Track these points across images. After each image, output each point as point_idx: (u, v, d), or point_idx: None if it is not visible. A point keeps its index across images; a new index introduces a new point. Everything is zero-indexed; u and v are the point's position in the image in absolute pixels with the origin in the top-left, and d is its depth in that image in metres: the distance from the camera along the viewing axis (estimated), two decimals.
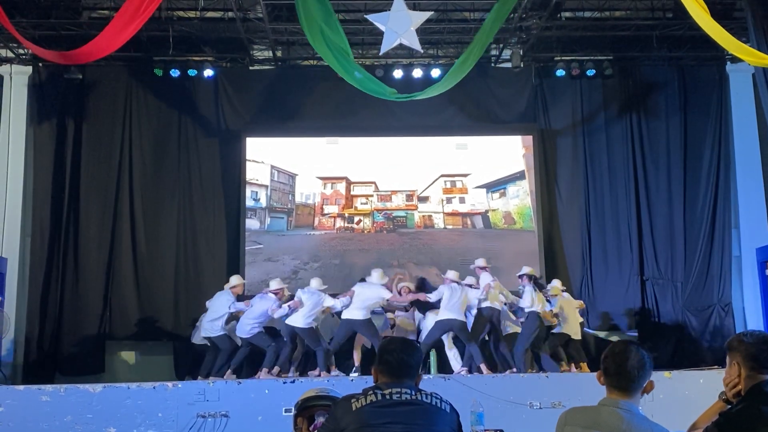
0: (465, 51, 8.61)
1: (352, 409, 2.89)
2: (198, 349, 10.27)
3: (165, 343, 11.40)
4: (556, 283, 10.40)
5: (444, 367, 9.97)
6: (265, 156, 12.17)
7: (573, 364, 9.87)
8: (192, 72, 11.58)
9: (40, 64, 11.58)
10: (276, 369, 9.46)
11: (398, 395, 2.93)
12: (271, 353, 9.50)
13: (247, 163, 12.05)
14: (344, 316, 9.66)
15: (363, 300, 9.58)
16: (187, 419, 8.17)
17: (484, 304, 9.73)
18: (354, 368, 9.79)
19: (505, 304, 9.98)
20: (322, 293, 9.71)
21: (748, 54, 8.49)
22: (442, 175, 12.31)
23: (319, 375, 9.32)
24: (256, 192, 12.10)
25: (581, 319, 10.35)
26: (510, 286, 11.78)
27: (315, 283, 9.82)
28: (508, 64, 11.99)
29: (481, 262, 10.25)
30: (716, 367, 9.51)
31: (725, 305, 11.78)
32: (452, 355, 10.04)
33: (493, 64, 12.37)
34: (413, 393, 2.95)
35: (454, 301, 9.58)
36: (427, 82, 11.43)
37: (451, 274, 9.92)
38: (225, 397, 8.30)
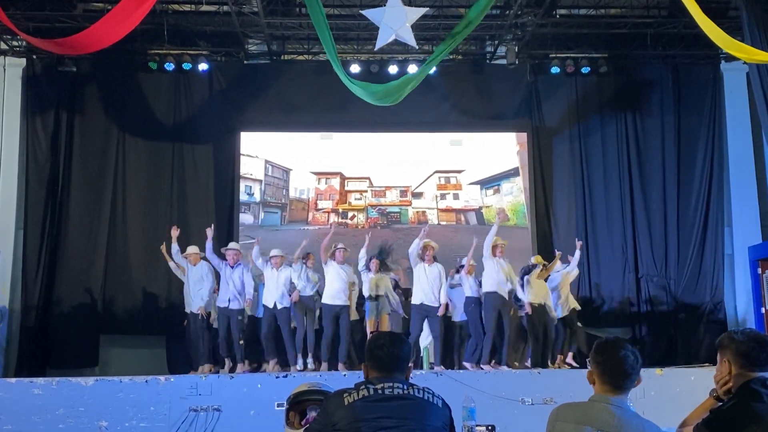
0: (444, 44, 8.45)
1: (344, 404, 2.89)
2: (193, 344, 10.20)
3: (157, 337, 11.38)
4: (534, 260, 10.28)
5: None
6: (259, 151, 12.16)
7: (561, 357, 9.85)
8: (187, 66, 11.56)
9: (35, 57, 11.54)
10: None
11: (390, 390, 2.92)
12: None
13: (242, 157, 12.04)
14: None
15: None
16: (180, 413, 8.17)
17: (485, 289, 9.54)
18: None
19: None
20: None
21: (741, 50, 8.53)
22: (437, 172, 12.32)
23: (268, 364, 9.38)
24: (250, 186, 12.09)
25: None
26: None
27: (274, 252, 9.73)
28: (503, 61, 12.00)
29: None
30: (707, 364, 9.56)
31: (717, 303, 11.84)
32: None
33: (488, 61, 12.37)
34: (405, 387, 2.95)
35: (428, 279, 9.43)
36: None
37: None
38: (217, 392, 8.30)
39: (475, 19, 8.15)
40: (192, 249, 9.85)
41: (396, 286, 10.38)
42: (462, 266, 10.05)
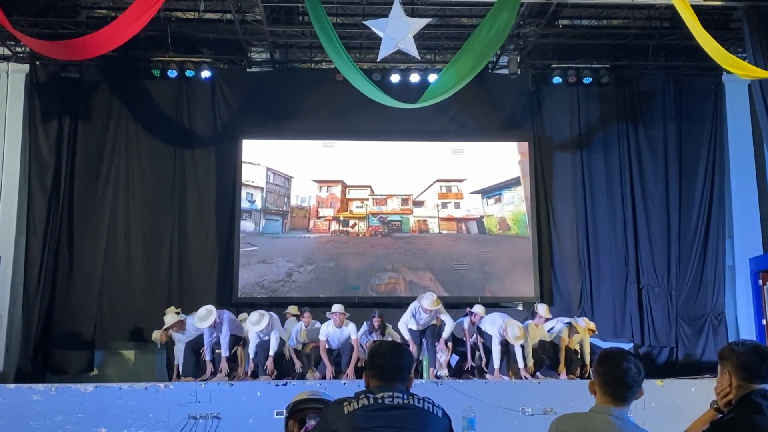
0: (466, 57, 8.56)
1: (344, 413, 2.88)
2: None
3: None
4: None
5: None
6: (261, 158, 12.17)
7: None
8: (189, 73, 11.57)
9: (38, 63, 11.56)
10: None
11: (390, 399, 2.91)
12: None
13: (243, 164, 12.04)
14: None
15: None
16: (179, 420, 8.15)
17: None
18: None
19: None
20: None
21: (738, 66, 8.54)
22: (438, 180, 12.32)
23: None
24: (252, 194, 12.09)
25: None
26: (503, 291, 11.80)
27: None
28: (505, 71, 12.02)
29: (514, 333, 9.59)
30: (708, 375, 9.53)
31: (718, 315, 11.81)
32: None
33: (490, 70, 12.38)
34: (405, 397, 2.94)
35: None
36: (424, 87, 11.45)
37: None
38: (217, 399, 8.28)
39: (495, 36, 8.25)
40: (171, 319, 9.71)
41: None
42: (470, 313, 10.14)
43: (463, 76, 8.64)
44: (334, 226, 12.13)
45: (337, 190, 12.24)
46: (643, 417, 7.51)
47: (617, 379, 2.79)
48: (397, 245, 12.09)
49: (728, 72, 11.75)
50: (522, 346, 9.48)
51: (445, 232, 12.24)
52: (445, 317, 9.72)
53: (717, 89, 12.30)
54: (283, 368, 9.63)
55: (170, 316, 9.76)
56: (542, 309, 10.12)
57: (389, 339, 9.95)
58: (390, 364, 3.00)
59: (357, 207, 12.23)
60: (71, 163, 11.62)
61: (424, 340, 9.66)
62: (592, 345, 10.29)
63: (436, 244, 12.13)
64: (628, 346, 11.53)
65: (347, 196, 12.24)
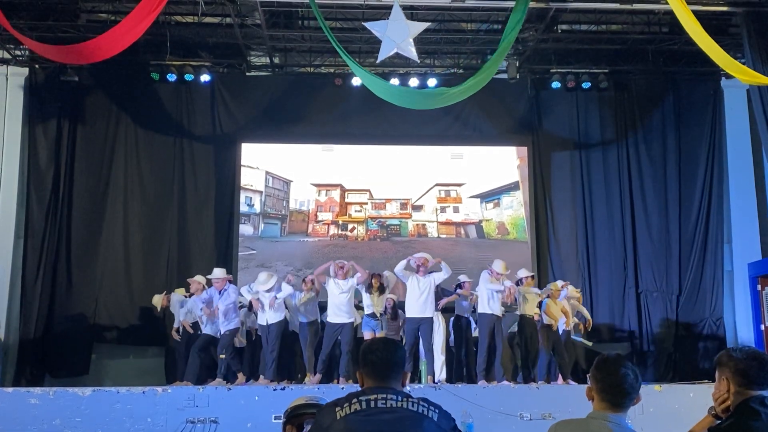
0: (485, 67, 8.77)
1: (337, 417, 2.86)
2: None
3: (156, 347, 11.35)
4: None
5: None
6: (260, 162, 12.18)
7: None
8: (189, 77, 11.59)
9: (37, 66, 11.57)
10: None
11: (383, 402, 2.88)
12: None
13: (242, 168, 12.05)
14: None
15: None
16: (176, 424, 8.12)
17: (479, 310, 9.62)
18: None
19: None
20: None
21: (741, 72, 8.55)
22: (437, 185, 12.33)
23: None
24: (251, 197, 12.10)
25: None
26: None
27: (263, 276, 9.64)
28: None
29: (499, 266, 9.73)
30: (706, 381, 9.53)
31: (717, 319, 11.82)
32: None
33: None
34: (399, 399, 2.91)
35: (420, 291, 9.51)
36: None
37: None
38: (215, 403, 8.26)
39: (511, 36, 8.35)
40: (201, 278, 9.86)
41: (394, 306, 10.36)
42: (462, 284, 10.10)
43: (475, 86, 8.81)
44: (333, 230, 12.13)
45: (336, 194, 12.25)
46: (641, 422, 7.50)
47: (615, 385, 2.78)
48: (395, 249, 12.08)
49: (728, 77, 11.83)
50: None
51: (444, 236, 12.25)
52: (443, 267, 9.72)
53: (716, 95, 12.33)
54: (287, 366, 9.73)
55: (199, 276, 9.92)
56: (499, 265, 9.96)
57: (387, 297, 10.02)
58: (383, 359, 2.96)
59: (356, 211, 12.23)
60: (70, 167, 11.63)
61: (420, 337, 9.62)
62: (589, 351, 10.30)
63: (435, 248, 12.09)
64: (626, 350, 11.54)
65: (346, 200, 12.24)
